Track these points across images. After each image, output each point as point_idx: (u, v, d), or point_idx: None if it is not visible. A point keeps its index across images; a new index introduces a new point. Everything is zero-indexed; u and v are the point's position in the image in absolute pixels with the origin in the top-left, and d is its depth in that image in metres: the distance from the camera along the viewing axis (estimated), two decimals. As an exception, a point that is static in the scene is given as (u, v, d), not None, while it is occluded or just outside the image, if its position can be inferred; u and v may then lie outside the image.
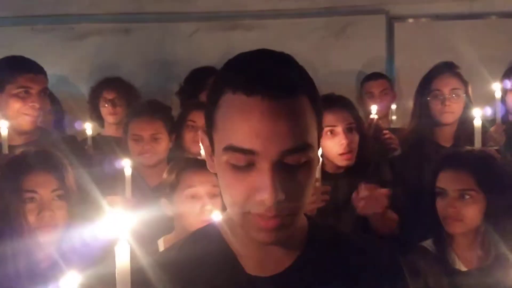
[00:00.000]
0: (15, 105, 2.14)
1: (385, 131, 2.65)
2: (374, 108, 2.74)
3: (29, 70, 2.16)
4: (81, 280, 0.88)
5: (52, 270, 1.55)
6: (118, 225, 0.77)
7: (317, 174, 1.99)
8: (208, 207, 1.77)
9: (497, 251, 1.75)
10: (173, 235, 1.88)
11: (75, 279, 0.87)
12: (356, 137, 2.13)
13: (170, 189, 1.86)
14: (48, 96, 2.26)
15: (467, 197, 1.76)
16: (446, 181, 1.79)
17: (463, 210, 1.75)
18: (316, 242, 0.91)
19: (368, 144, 2.25)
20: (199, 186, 1.79)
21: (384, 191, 2.01)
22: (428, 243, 1.86)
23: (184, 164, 1.88)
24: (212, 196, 1.79)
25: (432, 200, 1.83)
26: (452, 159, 1.84)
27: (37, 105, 2.14)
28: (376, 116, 2.71)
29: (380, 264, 0.92)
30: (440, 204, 1.80)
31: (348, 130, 2.10)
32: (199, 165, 1.83)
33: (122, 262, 0.77)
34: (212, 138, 0.84)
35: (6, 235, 1.57)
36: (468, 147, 1.96)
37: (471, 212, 1.76)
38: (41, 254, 1.63)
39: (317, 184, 1.98)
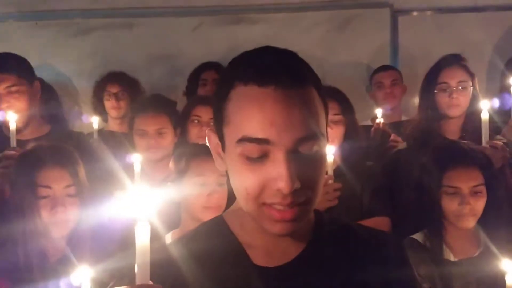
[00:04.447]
0: None
1: (391, 137, 2.52)
2: (379, 112, 2.67)
3: None
4: (92, 274, 0.88)
5: (63, 264, 1.56)
6: (138, 206, 0.76)
7: (330, 171, 1.99)
8: (215, 195, 1.78)
9: (486, 242, 1.80)
10: (180, 228, 1.88)
11: (86, 273, 0.87)
12: (340, 129, 2.11)
13: (178, 175, 1.85)
14: (26, 91, 2.17)
15: (479, 192, 1.78)
16: (458, 179, 1.79)
17: (477, 205, 1.78)
18: (323, 233, 0.92)
19: (358, 136, 2.20)
20: (208, 175, 1.79)
21: (335, 185, 1.99)
22: (418, 235, 1.88)
23: (193, 151, 1.88)
24: (219, 184, 1.79)
25: (433, 195, 1.83)
26: (459, 156, 1.83)
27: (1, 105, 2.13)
28: (382, 120, 2.63)
29: (385, 255, 0.93)
30: (451, 202, 1.80)
31: (332, 122, 2.06)
32: (208, 152, 1.83)
33: (142, 242, 0.75)
34: (222, 134, 0.85)
35: (18, 228, 1.58)
36: (468, 142, 1.96)
37: (482, 206, 1.79)
38: (52, 248, 1.64)
39: (330, 181, 1.98)
